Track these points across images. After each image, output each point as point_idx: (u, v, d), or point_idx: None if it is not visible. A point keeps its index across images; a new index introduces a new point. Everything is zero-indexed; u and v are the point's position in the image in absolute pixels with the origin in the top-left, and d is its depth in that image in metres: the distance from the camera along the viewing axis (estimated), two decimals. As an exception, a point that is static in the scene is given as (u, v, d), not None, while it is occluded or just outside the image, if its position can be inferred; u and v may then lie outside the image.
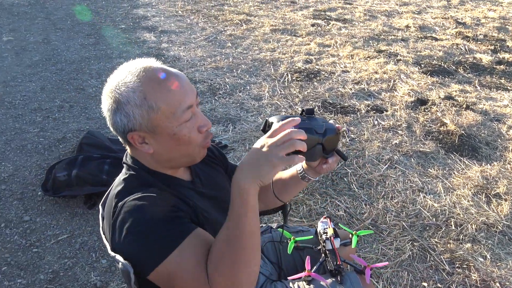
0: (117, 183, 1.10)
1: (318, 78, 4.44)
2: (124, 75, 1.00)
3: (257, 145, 0.91)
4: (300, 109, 1.16)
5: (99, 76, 4.45)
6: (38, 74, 4.47)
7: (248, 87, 4.24)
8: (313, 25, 6.24)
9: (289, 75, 4.50)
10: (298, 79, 4.41)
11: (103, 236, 1.11)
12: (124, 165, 1.13)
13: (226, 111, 3.77)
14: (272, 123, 1.05)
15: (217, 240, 0.93)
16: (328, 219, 1.46)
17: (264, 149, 0.88)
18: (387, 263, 1.51)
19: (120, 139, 1.08)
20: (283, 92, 4.12)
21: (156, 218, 0.96)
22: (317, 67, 4.71)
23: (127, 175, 1.09)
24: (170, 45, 5.39)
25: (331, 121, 1.14)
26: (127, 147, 1.12)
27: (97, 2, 7.32)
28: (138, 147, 1.04)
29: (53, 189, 2.63)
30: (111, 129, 1.05)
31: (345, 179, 2.90)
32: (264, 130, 1.08)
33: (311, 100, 3.95)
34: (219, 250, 0.91)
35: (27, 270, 2.21)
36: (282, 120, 0.96)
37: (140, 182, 1.07)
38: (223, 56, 5.04)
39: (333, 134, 1.12)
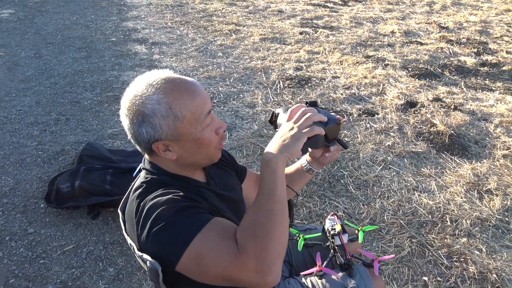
0: (137, 186, 1.14)
1: (309, 84, 4.53)
2: (145, 88, 1.03)
3: (281, 128, 1.09)
4: (304, 101, 1.29)
5: (93, 88, 4.49)
6: (32, 89, 4.49)
7: (241, 95, 4.32)
8: (301, 33, 6.36)
9: (281, 82, 4.59)
10: (290, 86, 4.50)
11: (128, 238, 1.16)
12: (143, 170, 1.18)
13: (222, 119, 3.80)
14: (278, 113, 1.22)
15: (249, 212, 1.02)
16: (335, 216, 1.53)
17: (288, 129, 1.07)
18: (393, 255, 1.58)
19: (140, 149, 1.13)
20: (276, 99, 4.21)
21: (176, 210, 1.00)
22: (307, 73, 4.81)
23: (147, 178, 1.13)
24: (162, 56, 5.45)
25: (332, 113, 1.23)
26: (146, 155, 1.17)
27: (86, 16, 7.36)
28: (162, 154, 1.08)
29: (57, 200, 2.66)
30: (133, 141, 1.09)
31: (341, 181, 2.98)
32: (271, 121, 1.25)
33: (304, 106, 4.03)
34: (251, 220, 0.98)
35: (35, 282, 2.24)
36: (287, 110, 1.16)
37: (160, 182, 1.11)
38: (215, 65, 5.11)
39: (334, 123, 1.19)
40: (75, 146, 3.39)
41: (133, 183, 1.26)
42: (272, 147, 1.06)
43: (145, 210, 1.03)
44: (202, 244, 0.96)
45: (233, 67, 5.08)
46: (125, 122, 1.07)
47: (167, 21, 7.08)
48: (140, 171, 2.74)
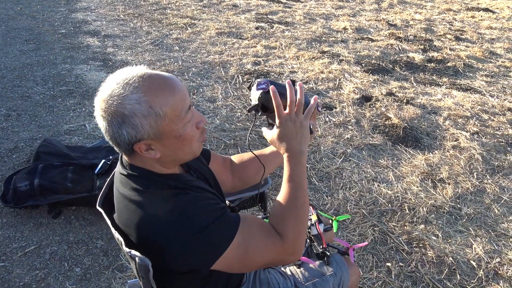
0: (141, 196, 1.06)
1: (268, 79, 4.58)
2: (121, 87, 0.97)
3: (287, 121, 1.10)
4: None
5: (45, 82, 4.29)
6: (-24, 83, 4.23)
7: (201, 90, 4.30)
8: (257, 28, 6.40)
9: (240, 76, 4.61)
10: (249, 80, 4.53)
11: (115, 233, 1.12)
12: (130, 176, 1.09)
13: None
14: (255, 82, 1.19)
15: (280, 202, 1.10)
16: (311, 207, 1.58)
17: (298, 121, 1.10)
18: (366, 243, 1.66)
19: (119, 150, 1.07)
20: (236, 94, 4.23)
21: (208, 219, 1.01)
22: (266, 68, 4.87)
23: (148, 186, 1.07)
24: (116, 49, 5.29)
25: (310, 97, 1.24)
26: (125, 157, 1.11)
27: (31, 6, 6.99)
28: (144, 154, 1.04)
29: (15, 200, 2.54)
30: (111, 142, 1.04)
31: (305, 173, 3.05)
32: (250, 87, 1.21)
33: (264, 101, 4.08)
34: (289, 211, 1.08)
35: (-5, 285, 2.14)
36: (266, 81, 1.15)
37: (168, 189, 1.07)
38: (172, 59, 5.04)
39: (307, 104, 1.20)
40: (30, 143, 3.24)
41: (110, 181, 1.24)
42: (292, 145, 1.10)
43: (171, 226, 1.00)
44: (243, 247, 1.03)
45: (190, 61, 5.03)
46: (102, 124, 1.00)
47: (119, 13, 6.87)
48: (104, 167, 2.66)
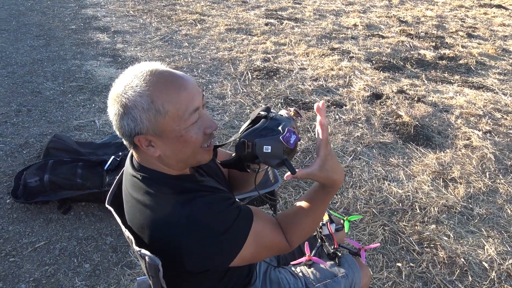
0: (152, 198, 1.04)
1: (277, 75, 4.56)
2: (131, 79, 0.98)
3: (330, 155, 1.06)
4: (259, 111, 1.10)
5: (55, 78, 4.30)
6: (-13, 78, 4.25)
7: (210, 86, 4.29)
8: (266, 24, 6.37)
9: (249, 73, 4.59)
10: (259, 77, 4.51)
11: (126, 231, 1.11)
12: (139, 177, 1.07)
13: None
14: (256, 143, 1.03)
15: (301, 208, 1.15)
16: (323, 206, 1.56)
17: (332, 153, 1.07)
18: (378, 244, 1.63)
19: (125, 142, 1.07)
20: (245, 90, 4.21)
21: (227, 221, 1.02)
22: (275, 65, 4.84)
23: (158, 188, 1.05)
24: (126, 45, 5.30)
25: (281, 112, 1.14)
26: (133, 151, 1.10)
27: (41, 2, 7.02)
28: (144, 149, 1.03)
29: (25, 195, 2.55)
30: (117, 132, 1.04)
31: (314, 171, 3.03)
32: (243, 150, 1.05)
33: (273, 97, 4.06)
34: (302, 220, 1.15)
35: (6, 281, 2.14)
36: (264, 133, 1.03)
37: (180, 191, 1.05)
38: (181, 55, 5.03)
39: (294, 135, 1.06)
40: (40, 139, 3.26)
41: (120, 178, 1.23)
42: (336, 169, 1.07)
43: (186, 229, 0.99)
44: (255, 244, 1.07)
45: (200, 57, 5.02)
46: (110, 112, 1.02)
47: (128, 9, 6.87)
48: (113, 163, 2.66)
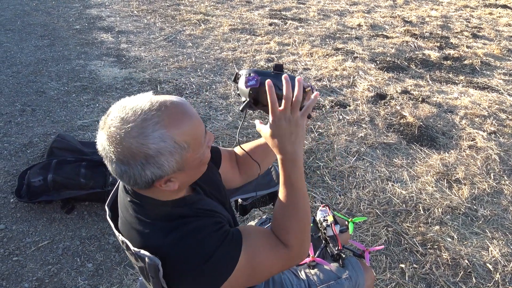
0: (142, 225, 1.02)
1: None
2: (139, 125, 0.89)
3: (281, 120, 1.00)
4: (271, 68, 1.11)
5: (60, 78, 4.31)
6: (-8, 78, 4.27)
7: (214, 86, 4.28)
8: (270, 25, 6.36)
9: (253, 73, 4.58)
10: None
11: (119, 236, 1.10)
12: (133, 203, 1.04)
13: (196, 110, 3.79)
14: (240, 76, 1.12)
15: (279, 208, 1.06)
16: (327, 207, 1.55)
17: (293, 120, 1.00)
18: (382, 246, 1.63)
19: (130, 187, 1.01)
20: (249, 91, 4.19)
21: (211, 247, 0.97)
22: (279, 65, 4.82)
23: (150, 216, 1.03)
24: (130, 45, 5.30)
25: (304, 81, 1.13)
26: (136, 189, 1.02)
27: (46, 2, 7.04)
28: (163, 187, 0.97)
29: (28, 195, 2.56)
30: (126, 182, 0.96)
31: (317, 172, 3.02)
32: (235, 80, 1.14)
33: (277, 98, 4.05)
34: (290, 217, 1.04)
35: (9, 280, 2.15)
36: (252, 72, 1.07)
37: (169, 219, 1.02)
38: (185, 56, 5.03)
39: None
40: (44, 138, 3.26)
41: (118, 187, 1.21)
42: (285, 145, 1.01)
43: (177, 256, 0.97)
44: (250, 263, 1.00)
45: (204, 57, 5.02)
46: (116, 167, 0.92)
47: (132, 9, 6.89)
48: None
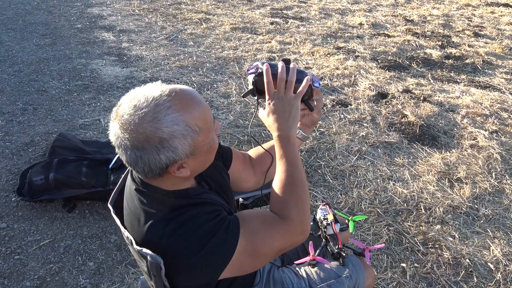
0: (145, 214, 1.03)
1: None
2: (152, 110, 0.91)
3: (275, 98, 1.09)
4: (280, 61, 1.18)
5: (61, 77, 4.32)
6: (-7, 77, 4.28)
7: (215, 85, 4.28)
8: (272, 24, 6.36)
9: (254, 72, 4.58)
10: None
11: (125, 231, 1.11)
12: (138, 192, 1.06)
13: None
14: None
15: (281, 184, 1.07)
16: (328, 206, 1.55)
17: (282, 100, 1.08)
18: (383, 245, 1.63)
19: (144, 175, 1.00)
20: (250, 90, 4.20)
21: (208, 232, 0.98)
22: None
23: (153, 205, 1.04)
24: (131, 44, 5.31)
25: (308, 74, 1.19)
26: (145, 179, 1.04)
27: (48, 1, 7.05)
28: (176, 174, 0.99)
29: (30, 193, 2.56)
30: (139, 171, 0.98)
31: (319, 171, 3.02)
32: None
33: (278, 97, 4.05)
34: (288, 191, 1.06)
35: (11, 278, 2.16)
36: (259, 64, 1.14)
37: (171, 208, 1.03)
38: (186, 55, 5.04)
39: (299, 84, 1.13)
40: (45, 137, 3.27)
41: (125, 178, 1.22)
42: (279, 123, 1.08)
43: (174, 244, 0.98)
44: (251, 244, 1.00)
45: (205, 56, 5.02)
46: (130, 155, 0.93)
47: (134, 8, 6.89)
48: (118, 162, 2.66)
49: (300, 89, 1.10)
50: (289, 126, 1.08)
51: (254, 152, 1.45)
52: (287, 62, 1.14)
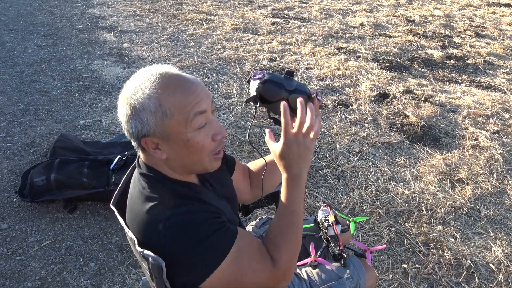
0: (145, 197, 1.05)
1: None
2: (141, 81, 0.99)
3: (293, 142, 1.00)
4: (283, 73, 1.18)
5: (62, 78, 4.33)
6: (-5, 77, 4.29)
7: (216, 86, 4.29)
8: (273, 24, 6.36)
9: (255, 73, 4.58)
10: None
11: (128, 231, 1.11)
12: (142, 175, 1.09)
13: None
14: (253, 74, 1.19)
15: (275, 225, 1.04)
16: (329, 207, 1.55)
17: (304, 144, 1.00)
18: (385, 246, 1.62)
19: (133, 144, 1.08)
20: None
21: (205, 231, 0.98)
22: (281, 64, 4.83)
23: (154, 189, 1.06)
24: (132, 45, 5.31)
25: (310, 87, 1.19)
26: (140, 153, 1.11)
27: (49, 2, 7.06)
28: (151, 152, 1.03)
29: (31, 194, 2.57)
30: (126, 133, 1.05)
31: (320, 171, 3.02)
32: (249, 80, 1.19)
33: (279, 97, 4.05)
34: (279, 234, 1.04)
35: (12, 279, 2.16)
36: (265, 73, 1.14)
37: (173, 195, 1.05)
38: (187, 55, 5.04)
39: (301, 95, 1.12)
40: (47, 138, 3.27)
41: (127, 178, 1.23)
42: (293, 166, 1.03)
43: (170, 230, 0.98)
44: (236, 265, 0.99)
45: (206, 57, 5.02)
46: (120, 113, 1.03)
47: (135, 8, 6.90)
48: (119, 163, 2.66)
49: (315, 131, 1.01)
50: (301, 171, 1.04)
51: (252, 165, 1.46)
52: (290, 74, 1.15)
